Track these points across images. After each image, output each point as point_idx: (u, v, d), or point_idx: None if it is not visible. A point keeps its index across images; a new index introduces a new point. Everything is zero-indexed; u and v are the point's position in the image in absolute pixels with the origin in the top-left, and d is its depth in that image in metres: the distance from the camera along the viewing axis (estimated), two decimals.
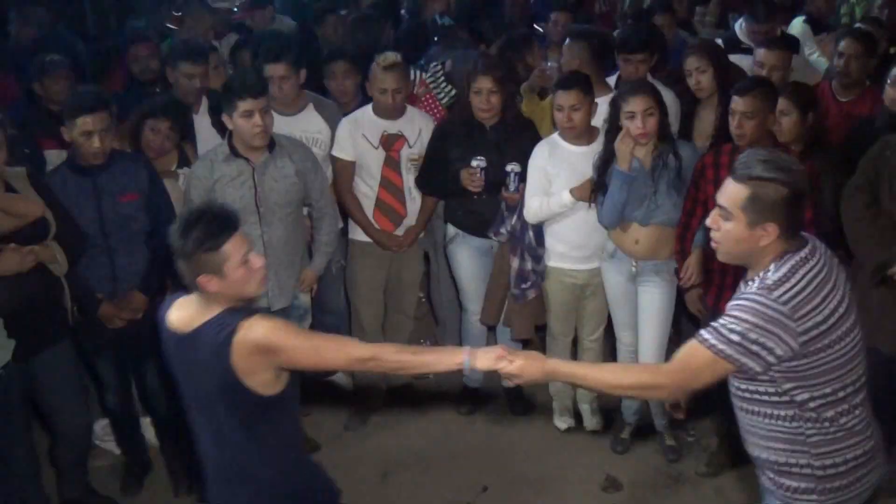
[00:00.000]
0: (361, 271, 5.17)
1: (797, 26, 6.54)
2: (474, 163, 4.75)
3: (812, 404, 2.66)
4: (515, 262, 4.77)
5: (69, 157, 4.31)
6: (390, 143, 4.96)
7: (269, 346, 2.75)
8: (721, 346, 2.59)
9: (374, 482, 4.72)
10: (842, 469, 2.72)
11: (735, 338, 2.57)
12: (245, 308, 2.88)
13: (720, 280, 4.28)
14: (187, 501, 4.66)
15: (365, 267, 5.16)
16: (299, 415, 3.22)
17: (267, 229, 4.46)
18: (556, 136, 4.70)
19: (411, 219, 5.07)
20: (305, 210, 4.81)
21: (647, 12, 6.79)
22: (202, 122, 5.17)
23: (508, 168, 4.71)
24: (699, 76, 4.90)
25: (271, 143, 4.43)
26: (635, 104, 4.28)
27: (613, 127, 4.38)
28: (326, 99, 5.32)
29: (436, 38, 6.29)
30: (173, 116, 4.72)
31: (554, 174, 4.60)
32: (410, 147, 4.99)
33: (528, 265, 4.74)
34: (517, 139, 4.84)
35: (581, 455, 4.92)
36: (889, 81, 4.51)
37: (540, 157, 4.66)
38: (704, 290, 4.38)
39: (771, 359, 2.57)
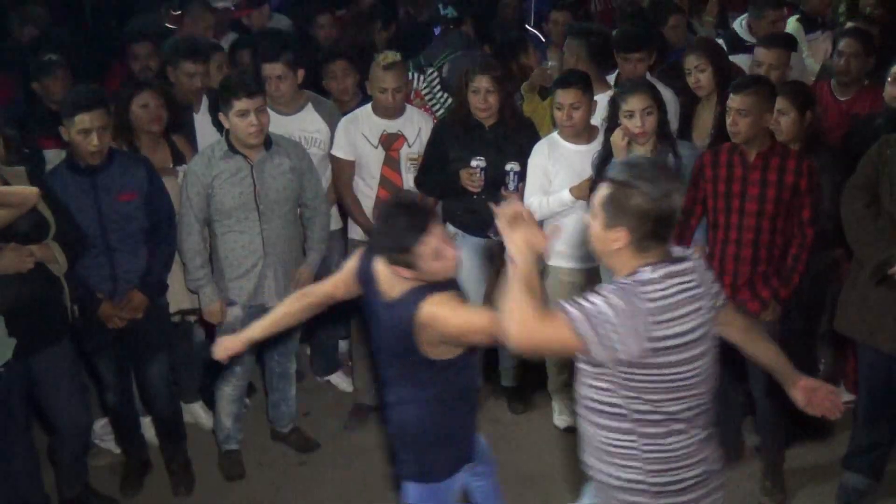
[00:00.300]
0: None
1: (791, 24, 6.53)
2: (474, 163, 4.75)
3: (649, 417, 2.61)
4: None
5: (68, 156, 4.30)
6: (390, 143, 4.97)
7: (437, 325, 3.06)
8: (579, 322, 2.50)
9: (375, 481, 4.72)
10: (674, 488, 2.69)
11: (592, 317, 2.49)
12: (431, 285, 3.12)
13: (718, 279, 4.25)
14: (187, 501, 4.67)
15: None
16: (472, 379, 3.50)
17: (267, 226, 4.47)
18: (555, 134, 4.71)
19: None
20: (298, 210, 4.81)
21: (650, 11, 6.75)
22: (203, 121, 5.17)
23: (508, 167, 4.72)
24: (698, 74, 4.90)
25: (268, 141, 4.44)
26: (634, 103, 4.29)
27: (612, 125, 4.39)
28: (325, 98, 5.31)
29: (437, 31, 6.29)
30: (157, 89, 4.73)
31: (553, 173, 4.61)
32: (410, 146, 5.00)
33: None
34: (516, 138, 4.85)
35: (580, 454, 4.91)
36: (889, 79, 4.52)
37: (539, 155, 4.66)
38: None
39: (615, 346, 2.48)
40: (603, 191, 2.62)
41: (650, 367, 2.53)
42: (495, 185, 4.76)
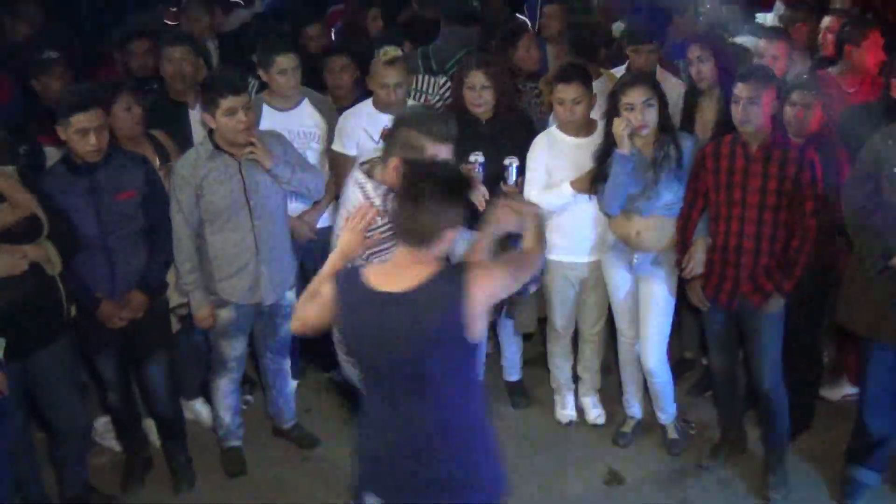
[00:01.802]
0: None
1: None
2: (472, 158, 4.71)
3: None
4: None
5: (65, 155, 4.27)
6: None
7: (489, 278, 2.90)
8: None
9: None
10: None
11: None
12: (451, 262, 3.13)
13: (721, 271, 4.27)
14: (188, 499, 4.65)
15: None
16: None
17: (258, 223, 4.43)
18: (554, 128, 4.69)
19: None
20: (292, 209, 4.85)
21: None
22: (198, 116, 5.12)
23: (506, 161, 4.68)
24: (700, 66, 4.88)
25: None
26: (634, 95, 4.26)
27: (611, 118, 4.36)
28: (320, 94, 5.29)
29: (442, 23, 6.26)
30: (136, 90, 4.72)
31: (553, 167, 4.58)
32: None
33: None
34: (513, 133, 4.83)
35: (583, 449, 4.91)
36: None
37: (539, 149, 4.64)
38: (705, 281, 4.35)
39: None
40: None
41: None
42: (493, 180, 4.73)
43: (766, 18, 6.41)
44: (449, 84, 5.49)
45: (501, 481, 3.11)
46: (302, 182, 4.51)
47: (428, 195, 2.85)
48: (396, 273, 2.91)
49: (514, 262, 3.11)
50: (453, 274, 2.90)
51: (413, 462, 2.98)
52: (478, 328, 2.90)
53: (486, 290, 2.88)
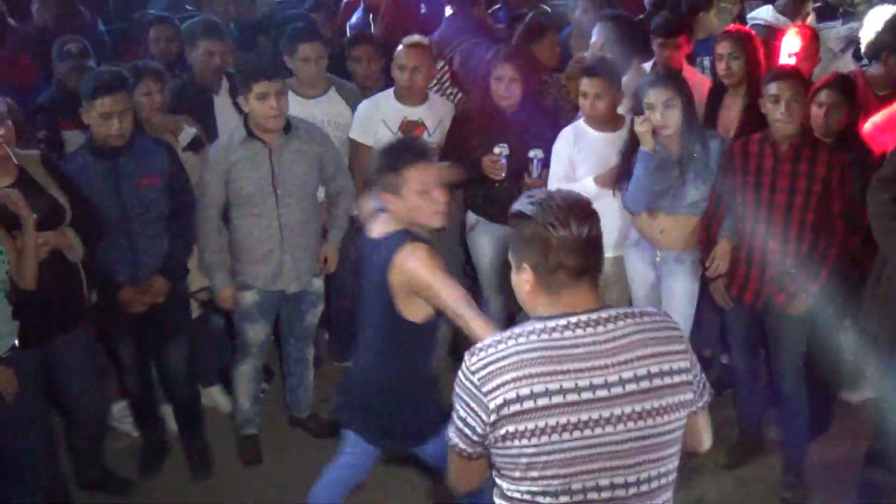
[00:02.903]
0: None
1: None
2: (496, 150, 4.71)
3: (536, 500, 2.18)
4: None
5: (88, 139, 4.27)
6: (409, 130, 4.94)
7: (413, 276, 3.14)
8: (449, 433, 2.27)
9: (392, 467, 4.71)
10: None
11: (454, 418, 2.23)
12: (417, 234, 3.23)
13: (745, 271, 4.24)
14: (204, 484, 4.66)
15: None
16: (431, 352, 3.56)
17: (284, 211, 4.43)
18: (581, 122, 4.66)
19: None
20: (321, 194, 4.78)
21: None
22: (223, 102, 5.14)
23: (531, 154, 4.68)
24: (731, 62, 4.84)
25: (287, 125, 4.40)
26: (654, 96, 4.22)
27: (636, 115, 4.33)
28: (349, 83, 5.28)
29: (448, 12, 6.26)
30: (158, 74, 4.69)
31: (578, 160, 4.56)
32: (430, 136, 4.96)
33: None
34: (538, 125, 4.81)
35: None
36: None
37: (564, 142, 4.62)
38: (729, 280, 4.32)
39: (467, 431, 2.18)
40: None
41: (512, 437, 2.12)
42: (517, 172, 4.72)
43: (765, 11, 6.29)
44: (447, 69, 5.48)
45: (417, 436, 3.47)
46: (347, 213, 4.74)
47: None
48: (379, 222, 3.36)
49: (454, 294, 3.14)
50: (397, 242, 3.19)
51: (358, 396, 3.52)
52: (406, 307, 3.21)
53: (406, 275, 3.15)
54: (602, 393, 2.11)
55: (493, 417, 2.11)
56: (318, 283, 4.73)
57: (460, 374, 2.19)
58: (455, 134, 4.93)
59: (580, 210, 2.20)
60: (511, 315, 5.18)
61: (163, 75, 4.73)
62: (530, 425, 2.09)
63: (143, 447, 4.82)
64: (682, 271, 4.49)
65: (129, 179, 4.19)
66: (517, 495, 2.19)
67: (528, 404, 2.08)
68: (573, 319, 2.16)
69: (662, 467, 2.20)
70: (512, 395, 2.09)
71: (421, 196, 3.20)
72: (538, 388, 2.08)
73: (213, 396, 5.25)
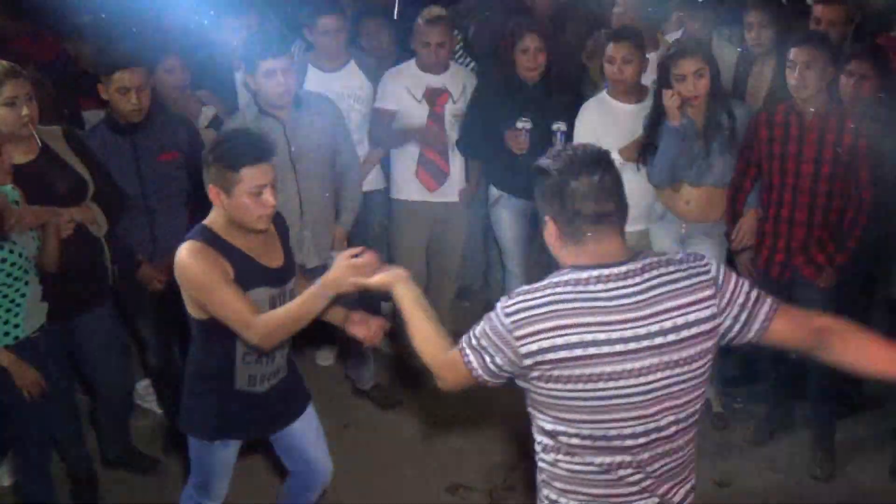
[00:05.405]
0: (404, 232, 5.13)
1: None
2: (519, 124, 4.67)
3: (560, 438, 2.30)
4: None
5: (107, 115, 4.24)
6: (434, 97, 4.93)
7: (180, 272, 3.00)
8: (463, 345, 2.36)
9: (417, 446, 4.69)
10: None
11: (473, 340, 2.32)
12: (215, 232, 3.04)
13: (772, 243, 4.18)
14: None
15: (408, 228, 5.11)
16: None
17: (305, 184, 4.40)
18: (604, 93, 4.61)
19: (454, 176, 5.03)
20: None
21: None
22: (241, 78, 5.08)
23: (554, 127, 4.63)
24: (760, 31, 4.75)
25: (297, 100, 4.36)
26: (685, 66, 4.16)
27: (662, 87, 4.27)
28: (367, 56, 5.23)
29: None
30: (180, 52, 4.67)
31: (602, 132, 4.50)
32: (454, 102, 4.94)
33: None
34: (560, 97, 4.78)
35: None
36: None
37: (588, 114, 4.57)
38: (756, 252, 4.27)
39: (492, 366, 2.28)
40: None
41: (534, 380, 2.24)
42: (541, 145, 4.66)
43: None
44: (461, 38, 5.47)
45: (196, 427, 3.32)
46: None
47: None
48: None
49: (225, 299, 2.97)
50: (191, 234, 3.07)
51: None
52: (191, 306, 3.08)
53: (181, 278, 3.02)
54: (632, 346, 2.19)
55: (526, 362, 2.21)
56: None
57: (495, 312, 2.27)
58: (476, 107, 4.88)
59: (592, 158, 2.27)
60: None
61: (185, 52, 4.69)
62: (565, 372, 2.19)
63: (167, 425, 4.82)
64: (709, 244, 4.43)
65: (148, 155, 4.18)
66: (549, 427, 2.31)
67: (563, 353, 2.17)
68: (605, 272, 2.21)
69: (683, 412, 2.29)
70: (547, 343, 2.18)
71: (251, 197, 2.97)
72: (574, 339, 2.17)
73: None
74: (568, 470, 2.33)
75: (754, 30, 4.78)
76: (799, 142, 4.01)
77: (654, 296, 2.21)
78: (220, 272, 2.96)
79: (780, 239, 4.14)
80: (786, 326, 2.35)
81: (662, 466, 2.33)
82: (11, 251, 3.49)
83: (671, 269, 2.26)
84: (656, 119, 4.32)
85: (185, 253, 2.98)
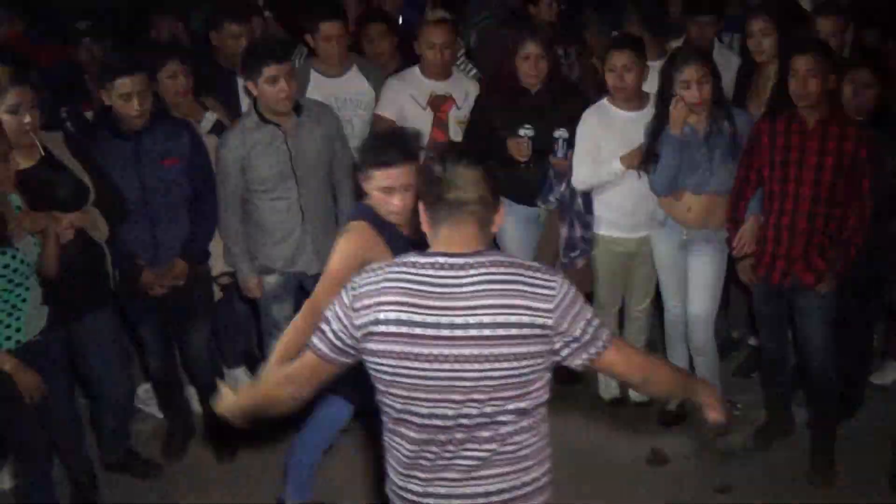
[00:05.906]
0: None
1: None
2: (521, 132, 4.66)
3: (385, 410, 2.45)
4: (564, 230, 4.72)
5: (111, 120, 4.23)
6: (438, 104, 4.94)
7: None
8: (313, 337, 2.49)
9: None
10: (399, 495, 2.51)
11: (324, 323, 2.45)
12: (381, 218, 3.30)
13: (773, 250, 4.19)
14: (231, 467, 4.66)
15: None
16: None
17: (305, 192, 4.41)
18: (605, 101, 4.61)
19: None
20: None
21: None
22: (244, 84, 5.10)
23: (556, 134, 4.63)
24: (762, 39, 4.75)
25: (298, 107, 4.37)
26: (690, 73, 4.18)
27: (665, 95, 4.28)
28: (370, 62, 5.25)
29: None
30: (182, 56, 4.67)
31: (603, 140, 4.51)
32: (459, 108, 4.96)
33: (578, 233, 4.69)
34: (562, 104, 4.76)
35: (626, 427, 4.85)
36: None
37: (589, 122, 4.57)
38: (757, 259, 4.27)
39: (331, 334, 2.40)
40: None
41: (370, 353, 2.36)
42: (542, 153, 4.68)
43: None
44: (462, 45, 5.49)
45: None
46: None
47: None
48: None
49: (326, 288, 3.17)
50: (354, 213, 3.41)
51: None
52: None
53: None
54: (446, 332, 2.29)
55: (357, 333, 2.35)
56: None
57: (344, 288, 2.41)
58: (478, 114, 4.88)
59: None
60: None
61: (187, 57, 4.70)
62: (384, 347, 2.32)
63: (168, 429, 4.83)
64: (710, 251, 4.45)
65: (149, 160, 4.18)
66: (378, 398, 2.45)
67: (383, 328, 2.31)
68: (441, 260, 2.34)
69: (502, 406, 2.36)
70: (373, 317, 2.32)
71: (380, 195, 3.25)
72: (392, 316, 2.30)
73: (238, 378, 5.24)
74: (388, 440, 2.48)
75: (755, 37, 4.79)
76: (801, 149, 4.02)
77: (484, 290, 2.29)
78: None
79: (781, 246, 4.14)
80: (614, 360, 2.52)
81: (472, 454, 2.40)
82: (14, 256, 3.50)
83: (515, 270, 2.33)
84: (658, 128, 4.33)
85: (343, 232, 3.37)
